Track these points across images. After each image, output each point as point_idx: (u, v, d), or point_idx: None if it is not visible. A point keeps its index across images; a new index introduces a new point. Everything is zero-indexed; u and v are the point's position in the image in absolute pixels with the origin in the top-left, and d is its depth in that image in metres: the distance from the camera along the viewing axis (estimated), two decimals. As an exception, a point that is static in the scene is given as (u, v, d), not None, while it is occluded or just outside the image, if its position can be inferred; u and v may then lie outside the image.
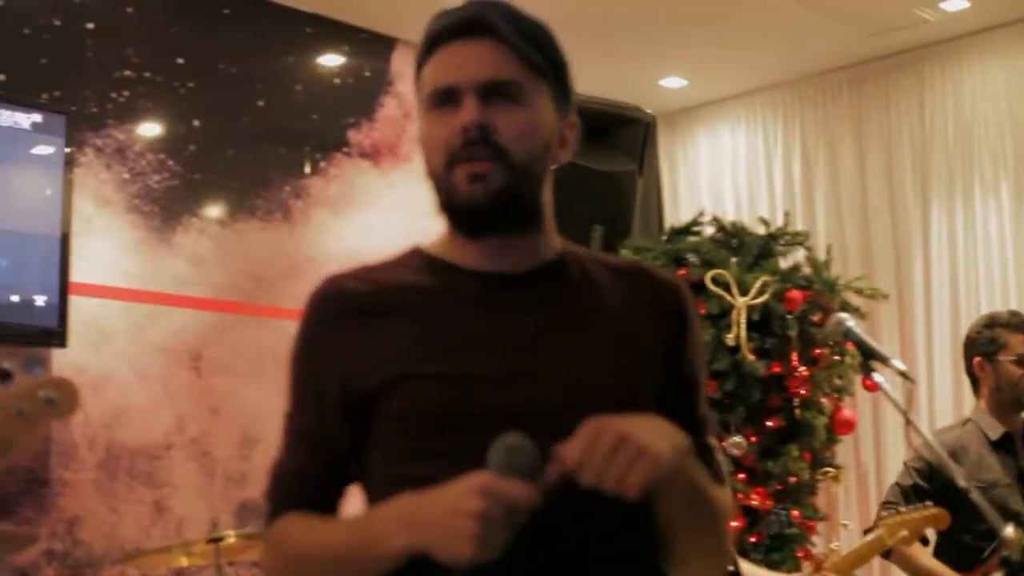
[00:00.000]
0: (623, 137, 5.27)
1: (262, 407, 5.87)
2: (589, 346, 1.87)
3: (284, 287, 6.22)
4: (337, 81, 6.77)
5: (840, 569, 4.10)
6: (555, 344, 1.86)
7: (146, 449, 5.65)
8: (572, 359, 1.85)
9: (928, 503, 4.13)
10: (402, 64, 6.91)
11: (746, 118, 8.28)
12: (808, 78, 7.93)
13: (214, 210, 6.11)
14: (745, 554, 4.56)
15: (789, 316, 5.01)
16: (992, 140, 7.21)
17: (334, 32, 6.73)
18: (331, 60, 6.76)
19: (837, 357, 5.10)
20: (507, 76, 1.85)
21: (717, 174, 8.40)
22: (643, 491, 1.64)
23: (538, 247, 1.93)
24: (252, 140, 6.29)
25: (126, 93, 5.80)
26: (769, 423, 4.98)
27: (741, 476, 4.86)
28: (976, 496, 3.11)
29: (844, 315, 3.30)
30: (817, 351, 5.06)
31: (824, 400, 5.11)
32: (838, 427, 5.20)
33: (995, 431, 4.43)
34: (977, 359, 4.50)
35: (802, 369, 5.00)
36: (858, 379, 5.03)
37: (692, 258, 5.10)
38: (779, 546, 4.94)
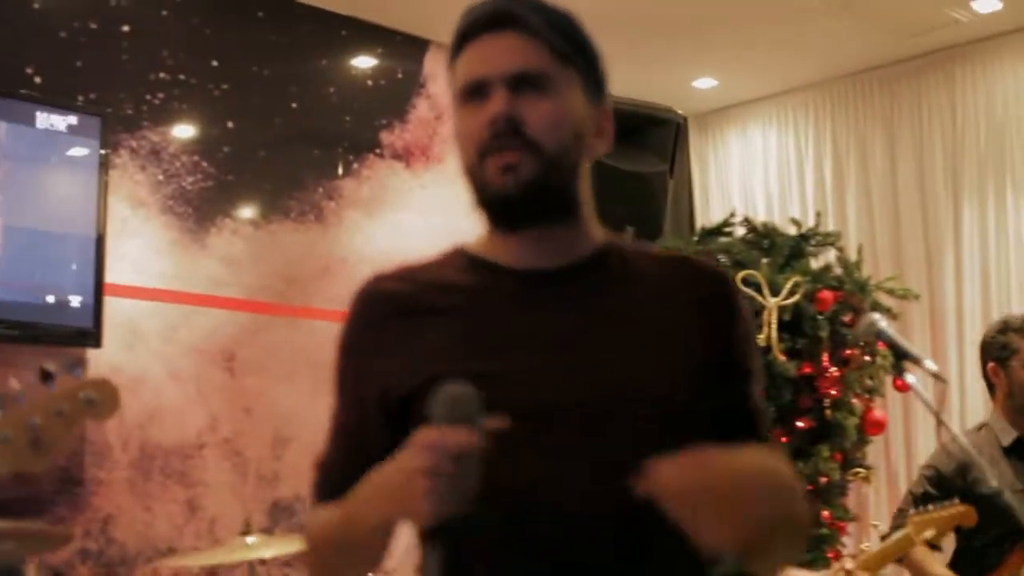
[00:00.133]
0: (654, 138, 5.26)
1: (295, 407, 5.90)
2: (628, 341, 1.84)
3: (317, 288, 6.25)
4: (370, 83, 6.79)
5: (867, 567, 4.10)
6: (593, 340, 1.84)
7: (179, 449, 5.68)
8: (610, 355, 1.82)
9: (956, 500, 4.11)
10: (434, 66, 6.93)
11: (777, 119, 8.26)
12: (839, 79, 7.91)
13: (247, 211, 6.14)
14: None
15: (820, 317, 5.01)
16: (1024, 141, 7.19)
17: (367, 34, 6.75)
18: (364, 62, 6.78)
19: (868, 358, 5.09)
20: (535, 67, 1.84)
21: (748, 175, 8.39)
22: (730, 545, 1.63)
23: (577, 241, 1.92)
24: (285, 142, 6.31)
25: (161, 95, 5.84)
26: (800, 424, 4.98)
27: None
28: (1009, 497, 3.11)
29: (877, 315, 3.30)
30: (848, 352, 5.06)
31: (855, 401, 5.11)
32: (869, 428, 5.19)
33: (1007, 436, 4.38)
34: (991, 364, 4.47)
35: (833, 370, 5.00)
36: (889, 380, 5.03)
37: (723, 259, 5.11)
38: (810, 547, 4.93)
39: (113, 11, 5.72)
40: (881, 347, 4.99)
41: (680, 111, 5.73)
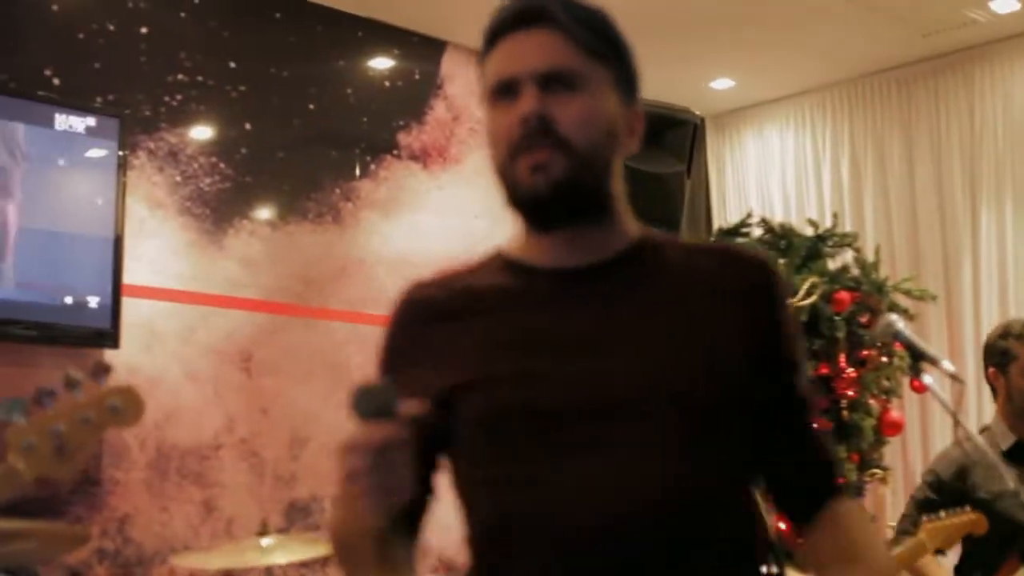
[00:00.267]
0: (671, 138, 5.25)
1: (312, 408, 5.91)
2: (658, 338, 1.82)
3: (334, 289, 6.26)
4: (387, 84, 6.80)
5: None
6: (624, 338, 1.81)
7: (196, 449, 5.69)
8: (639, 353, 1.80)
9: (967, 508, 4.10)
10: (452, 67, 6.94)
11: (794, 119, 8.26)
12: (857, 79, 7.91)
13: (265, 212, 6.15)
14: (791, 558, 4.54)
15: (837, 317, 5.00)
16: (1042, 141, 7.18)
17: (384, 35, 6.76)
18: (381, 63, 6.79)
19: (885, 359, 5.08)
20: (565, 64, 1.82)
21: (765, 175, 8.38)
22: None
23: (611, 238, 1.89)
24: (303, 143, 6.33)
25: (179, 97, 5.86)
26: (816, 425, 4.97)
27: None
28: (1010, 500, 3.10)
29: (894, 316, 3.29)
30: (865, 352, 5.05)
31: (872, 402, 5.10)
32: (886, 428, 5.18)
33: (1007, 440, 4.34)
34: (991, 369, 4.44)
35: (850, 370, 4.99)
36: (906, 381, 5.02)
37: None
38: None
39: (131, 13, 5.74)
40: (898, 348, 4.98)
41: (697, 111, 5.72)
